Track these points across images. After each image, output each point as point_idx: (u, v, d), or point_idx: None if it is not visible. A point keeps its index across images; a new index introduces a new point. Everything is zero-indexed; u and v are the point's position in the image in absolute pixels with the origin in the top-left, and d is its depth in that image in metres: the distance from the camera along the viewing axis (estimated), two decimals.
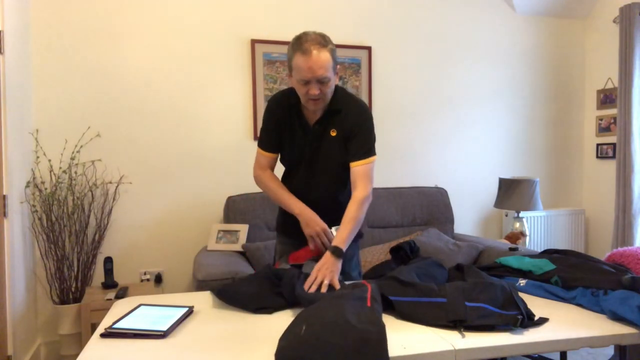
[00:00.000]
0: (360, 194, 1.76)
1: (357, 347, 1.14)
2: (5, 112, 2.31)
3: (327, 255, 1.66)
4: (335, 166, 1.85)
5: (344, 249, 1.69)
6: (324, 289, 1.57)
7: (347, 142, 1.81)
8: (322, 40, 1.68)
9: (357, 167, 1.79)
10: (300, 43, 1.66)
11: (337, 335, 1.16)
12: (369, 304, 1.37)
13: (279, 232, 2.03)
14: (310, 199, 1.86)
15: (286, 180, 1.94)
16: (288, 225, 1.92)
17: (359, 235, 1.95)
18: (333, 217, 1.83)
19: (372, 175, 1.80)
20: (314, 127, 1.82)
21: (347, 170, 1.83)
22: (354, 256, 1.98)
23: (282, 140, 1.88)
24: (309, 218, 1.78)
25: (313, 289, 1.56)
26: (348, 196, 1.85)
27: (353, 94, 1.87)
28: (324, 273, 1.61)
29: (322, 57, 1.65)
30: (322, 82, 1.69)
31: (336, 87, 1.81)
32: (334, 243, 1.69)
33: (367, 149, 1.80)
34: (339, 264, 1.66)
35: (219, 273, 2.32)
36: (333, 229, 1.81)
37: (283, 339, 1.21)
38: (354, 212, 1.75)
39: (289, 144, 1.87)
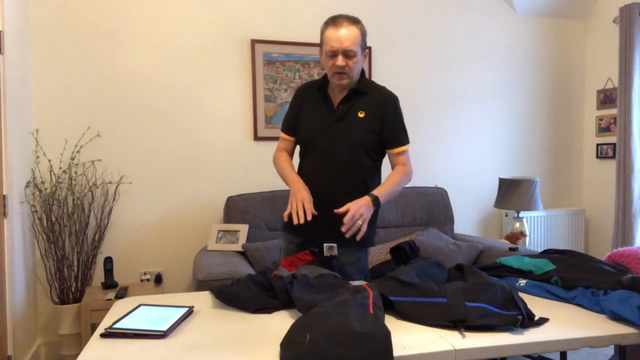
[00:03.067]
0: (404, 168, 1.90)
1: (363, 357, 1.13)
2: (5, 112, 2.31)
3: (366, 197, 1.76)
4: (356, 147, 1.85)
5: (382, 201, 1.79)
6: (354, 228, 1.67)
7: (381, 126, 1.86)
8: (354, 19, 1.81)
9: (397, 157, 1.91)
10: (334, 18, 1.80)
11: (343, 346, 1.15)
12: (371, 310, 1.36)
13: (286, 229, 2.02)
14: (323, 179, 1.86)
15: (302, 160, 1.97)
16: (292, 224, 1.89)
17: (370, 243, 1.96)
18: (342, 202, 1.78)
19: (410, 161, 1.95)
20: (338, 107, 1.89)
21: (368, 156, 1.88)
22: (359, 259, 1.93)
23: (303, 116, 1.93)
24: (297, 187, 1.81)
25: (348, 218, 1.66)
26: (362, 189, 1.86)
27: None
28: (361, 211, 1.70)
29: (351, 30, 1.77)
30: (348, 55, 1.78)
31: (363, 72, 1.90)
32: (374, 192, 1.79)
33: (403, 136, 1.91)
34: (371, 210, 1.76)
35: (218, 273, 2.32)
36: (325, 245, 1.80)
37: (286, 349, 1.18)
38: (397, 177, 1.87)
39: (310, 116, 1.91)
